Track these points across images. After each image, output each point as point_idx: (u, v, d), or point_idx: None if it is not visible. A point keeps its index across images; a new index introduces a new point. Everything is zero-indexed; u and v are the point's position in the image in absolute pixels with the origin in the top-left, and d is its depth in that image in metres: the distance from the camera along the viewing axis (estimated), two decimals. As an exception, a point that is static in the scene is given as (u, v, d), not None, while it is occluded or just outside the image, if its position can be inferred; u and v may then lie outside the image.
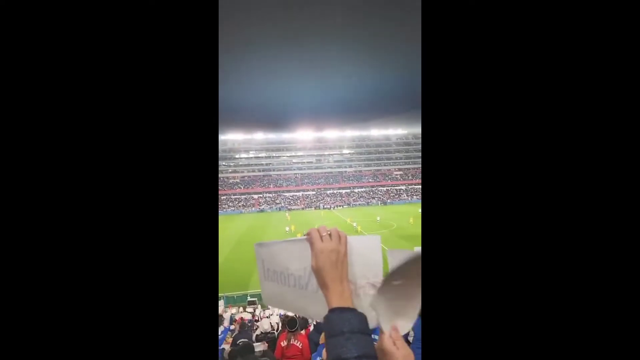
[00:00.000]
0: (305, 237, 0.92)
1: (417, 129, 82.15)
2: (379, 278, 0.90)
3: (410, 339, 2.76)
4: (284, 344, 4.29)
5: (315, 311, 0.92)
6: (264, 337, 5.48)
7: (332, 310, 0.77)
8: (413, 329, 2.69)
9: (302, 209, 62.13)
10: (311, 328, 5.75)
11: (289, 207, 62.41)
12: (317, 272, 0.83)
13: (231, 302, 15.70)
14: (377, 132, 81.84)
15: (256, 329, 7.00)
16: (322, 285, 0.82)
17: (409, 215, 42.46)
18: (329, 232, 0.88)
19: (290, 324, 4.35)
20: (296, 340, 4.27)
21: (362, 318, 0.77)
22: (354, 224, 35.26)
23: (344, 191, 71.09)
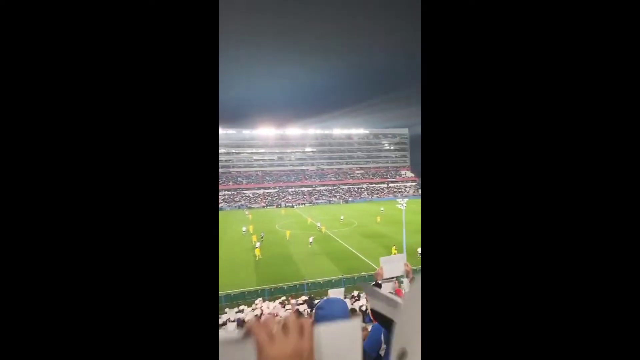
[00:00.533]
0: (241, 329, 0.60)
1: (378, 129, 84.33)
2: None
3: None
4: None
5: None
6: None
7: None
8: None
9: (263, 207, 60.65)
10: None
11: (249, 205, 60.57)
12: None
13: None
14: (340, 131, 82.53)
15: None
16: None
17: (370, 213, 43.12)
18: (282, 323, 0.59)
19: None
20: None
21: None
22: (318, 224, 34.60)
23: (305, 189, 70.63)
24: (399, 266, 2.20)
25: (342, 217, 39.38)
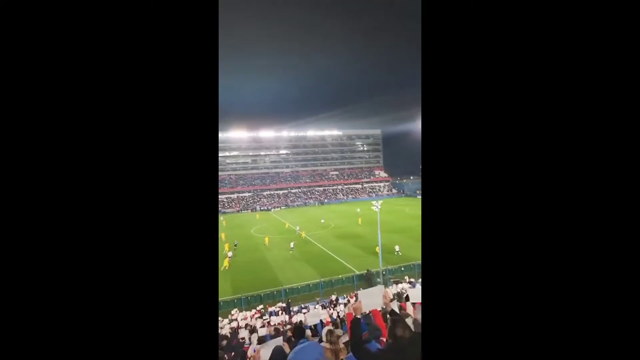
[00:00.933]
0: None
1: (351, 130, 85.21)
2: None
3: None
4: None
5: None
6: None
7: None
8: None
9: (238, 211, 59.44)
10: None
11: (223, 211, 59.15)
12: None
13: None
14: (313, 132, 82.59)
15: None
16: None
17: (348, 214, 43.40)
18: None
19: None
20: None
21: None
22: (297, 228, 33.81)
23: (281, 192, 70.03)
24: (377, 299, 2.15)
25: (322, 221, 38.83)
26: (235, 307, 14.52)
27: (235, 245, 26.02)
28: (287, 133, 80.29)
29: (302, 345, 1.36)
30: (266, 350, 2.63)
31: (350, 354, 1.66)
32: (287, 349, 3.54)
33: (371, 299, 2.11)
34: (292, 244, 25.55)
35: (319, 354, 1.36)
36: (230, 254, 23.14)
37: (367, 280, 17.53)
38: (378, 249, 20.13)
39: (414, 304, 3.37)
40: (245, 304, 15.31)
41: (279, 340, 3.63)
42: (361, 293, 2.16)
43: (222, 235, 30.59)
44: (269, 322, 9.33)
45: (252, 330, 7.77)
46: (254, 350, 3.81)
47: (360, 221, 36.85)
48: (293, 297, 15.83)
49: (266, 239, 28.21)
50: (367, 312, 2.13)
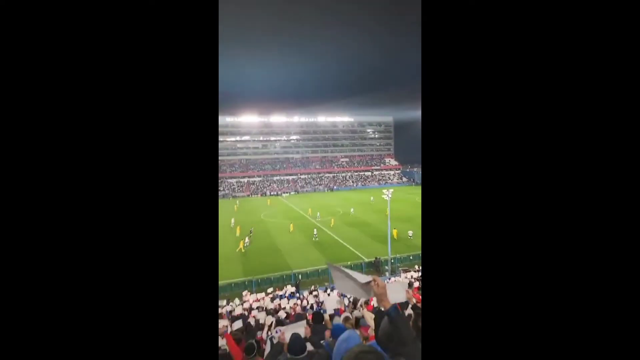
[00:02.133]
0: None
1: (363, 117, 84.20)
2: None
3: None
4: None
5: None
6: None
7: None
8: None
9: (248, 195, 60.10)
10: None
11: (234, 195, 59.90)
12: None
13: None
14: (324, 119, 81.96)
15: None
16: None
17: (355, 201, 43.42)
18: None
19: (248, 350, 3.55)
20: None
21: None
22: (317, 215, 32.50)
23: (290, 177, 70.33)
24: (400, 294, 2.16)
25: (352, 210, 36.25)
26: (246, 289, 14.91)
27: (251, 233, 26.02)
28: (298, 118, 79.89)
29: (345, 335, 1.45)
30: (288, 334, 2.73)
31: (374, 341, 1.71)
32: (307, 332, 3.65)
33: (393, 294, 2.14)
34: (315, 232, 25.41)
35: (358, 341, 1.43)
36: (247, 239, 23.44)
37: (376, 267, 17.70)
38: (395, 235, 20.09)
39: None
40: (256, 286, 15.70)
41: (300, 324, 3.74)
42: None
43: (235, 224, 29.86)
44: (279, 305, 9.57)
45: (268, 312, 7.98)
46: (277, 332, 3.93)
47: (352, 210, 35.52)
48: (302, 282, 16.14)
49: (291, 226, 28.03)
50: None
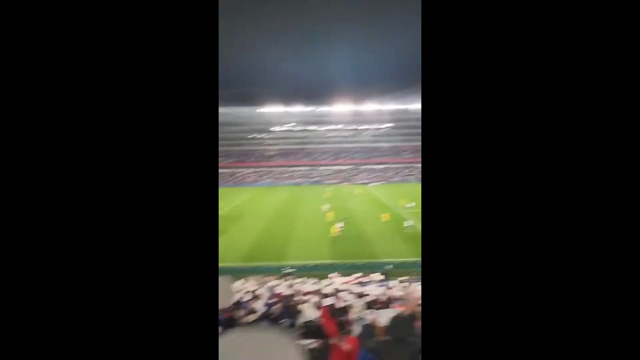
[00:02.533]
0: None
1: (463, 102, 76.54)
2: None
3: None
4: None
5: None
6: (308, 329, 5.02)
7: None
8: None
9: (339, 183, 61.69)
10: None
11: (324, 182, 62.25)
12: None
13: (264, 272, 15.86)
14: (416, 106, 77.57)
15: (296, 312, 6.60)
16: None
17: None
18: None
19: (342, 326, 3.78)
20: None
21: None
22: (413, 204, 30.56)
23: (379, 167, 69.30)
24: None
25: None
26: (335, 271, 15.60)
27: (347, 219, 26.62)
28: (387, 107, 77.56)
29: None
30: (383, 319, 2.78)
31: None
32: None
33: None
34: (406, 223, 24.62)
35: None
36: (341, 224, 24.16)
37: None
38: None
39: None
40: (344, 269, 16.27)
41: (393, 311, 3.83)
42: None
43: (326, 206, 31.81)
44: (366, 291, 9.77)
45: (358, 296, 8.28)
46: (371, 314, 4.11)
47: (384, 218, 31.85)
48: (391, 271, 16.05)
49: (383, 216, 27.84)
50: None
